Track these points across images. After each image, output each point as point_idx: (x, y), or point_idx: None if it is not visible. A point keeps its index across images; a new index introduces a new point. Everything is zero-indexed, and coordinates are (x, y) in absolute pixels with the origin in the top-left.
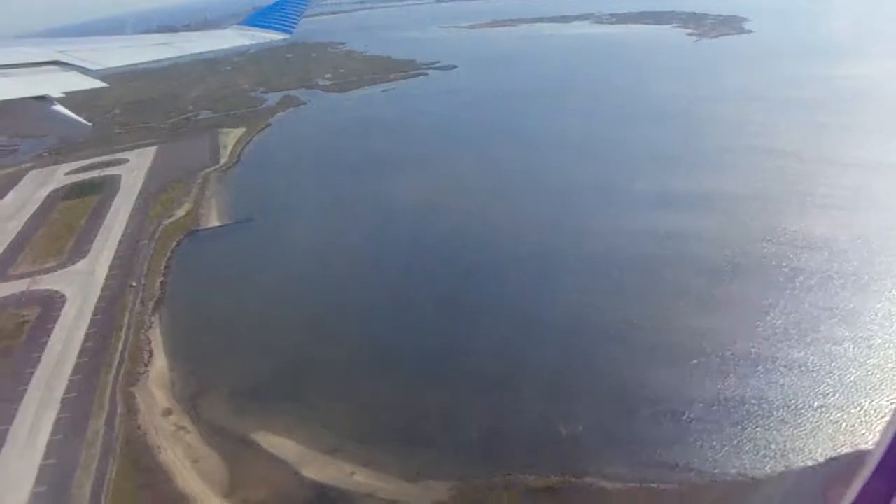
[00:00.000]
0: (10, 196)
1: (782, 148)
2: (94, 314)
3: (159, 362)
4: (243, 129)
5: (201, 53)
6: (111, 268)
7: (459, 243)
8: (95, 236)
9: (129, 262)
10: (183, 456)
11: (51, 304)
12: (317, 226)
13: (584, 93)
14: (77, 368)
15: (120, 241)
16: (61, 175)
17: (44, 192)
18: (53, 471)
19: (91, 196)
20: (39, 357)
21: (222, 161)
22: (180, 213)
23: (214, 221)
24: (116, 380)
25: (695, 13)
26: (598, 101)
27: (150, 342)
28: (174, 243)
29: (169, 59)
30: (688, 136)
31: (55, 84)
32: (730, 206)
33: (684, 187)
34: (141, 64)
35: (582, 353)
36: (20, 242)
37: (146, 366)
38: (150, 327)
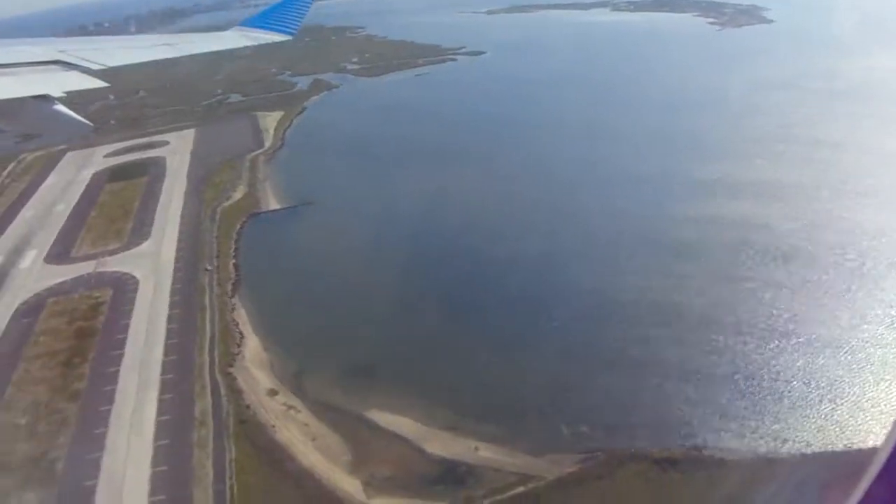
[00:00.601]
0: (52, 178)
1: (824, 138)
2: (172, 296)
3: (252, 343)
4: (281, 113)
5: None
6: (178, 250)
7: (512, 224)
8: (153, 219)
9: (195, 245)
10: (300, 434)
11: (123, 286)
12: (375, 207)
13: (619, 81)
14: (168, 350)
15: (181, 224)
16: (100, 157)
17: (86, 175)
18: (169, 451)
19: (138, 179)
20: (124, 338)
21: (267, 144)
22: (237, 195)
23: (273, 204)
24: (213, 361)
25: (714, 2)
26: (633, 90)
27: (237, 323)
28: (238, 226)
29: (171, 59)
30: (729, 126)
31: (56, 83)
32: (788, 194)
33: (740, 176)
34: (143, 63)
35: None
36: (75, 225)
37: (239, 346)
38: (234, 309)
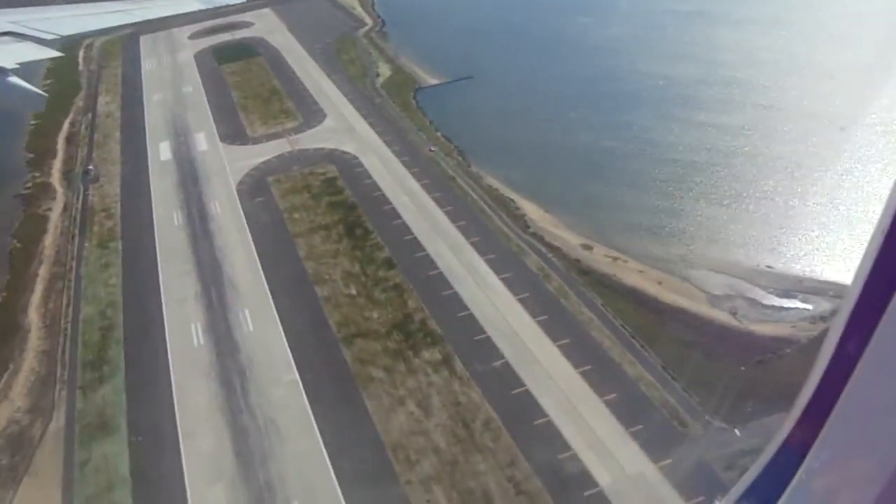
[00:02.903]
0: (148, 62)
1: None
2: (408, 167)
3: (529, 206)
4: None
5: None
6: (371, 126)
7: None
8: (313, 97)
9: (386, 120)
10: (643, 280)
11: (344, 162)
12: (530, 78)
13: None
14: (451, 216)
15: (350, 101)
16: (185, 39)
17: (186, 56)
18: (536, 303)
19: (252, 58)
20: (392, 208)
21: (368, 21)
22: (384, 72)
23: (431, 80)
24: (506, 223)
25: None
26: None
27: (497, 189)
28: (412, 100)
29: (125, 24)
30: None
31: (10, 55)
32: None
33: None
34: (97, 30)
35: None
36: (224, 105)
37: (519, 209)
38: (483, 177)
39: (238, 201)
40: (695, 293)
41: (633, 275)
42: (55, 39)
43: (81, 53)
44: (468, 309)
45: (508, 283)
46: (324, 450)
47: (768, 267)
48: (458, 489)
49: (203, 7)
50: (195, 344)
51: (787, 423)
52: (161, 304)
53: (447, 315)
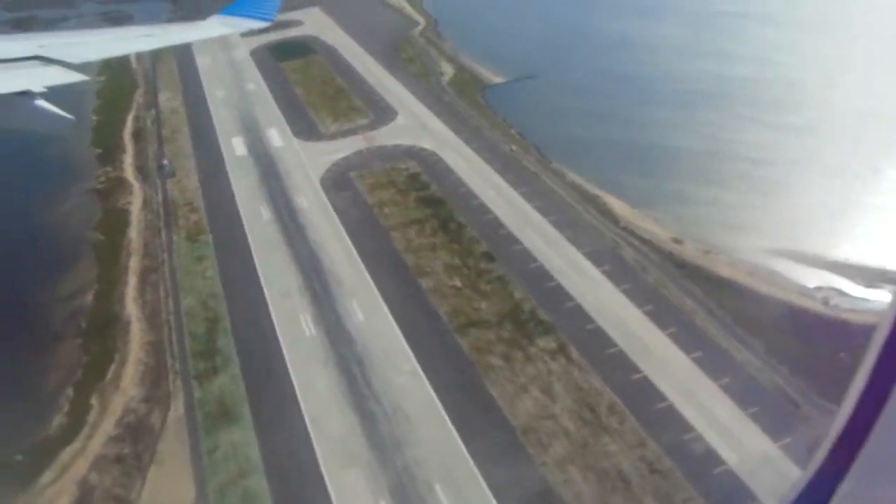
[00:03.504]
0: (204, 59)
1: None
2: (490, 164)
3: (613, 202)
4: None
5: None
6: (446, 123)
7: None
8: (380, 95)
9: (458, 118)
10: (735, 271)
11: (425, 158)
12: (590, 78)
13: None
14: (542, 210)
15: (419, 99)
16: (237, 38)
17: (241, 54)
18: (637, 293)
19: (310, 56)
20: (480, 203)
21: (420, 20)
22: (448, 70)
23: (495, 79)
24: (602, 219)
25: None
26: None
27: (581, 185)
28: (479, 99)
29: (151, 50)
30: None
31: (37, 79)
32: None
33: None
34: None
35: None
36: (291, 103)
37: (604, 203)
38: (565, 174)
39: (324, 196)
40: (785, 283)
41: (724, 267)
42: (81, 64)
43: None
44: (574, 300)
45: (609, 275)
46: (455, 434)
47: (850, 259)
48: (592, 469)
49: (229, 32)
50: (307, 334)
51: (822, 448)
52: (264, 295)
53: (555, 306)
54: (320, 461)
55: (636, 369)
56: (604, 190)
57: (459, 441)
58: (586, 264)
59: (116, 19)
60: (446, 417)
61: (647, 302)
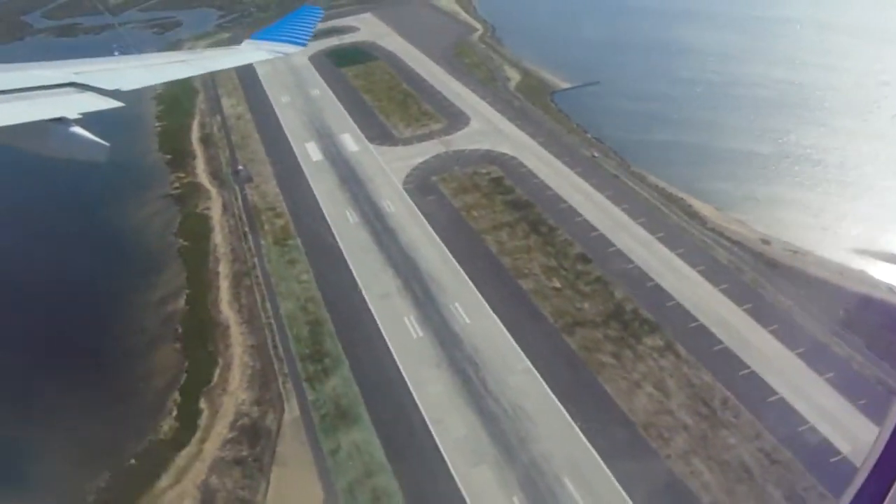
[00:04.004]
0: (262, 67)
1: None
2: (572, 168)
3: (698, 204)
4: None
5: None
6: (521, 128)
7: None
8: (449, 100)
9: (528, 121)
10: (825, 271)
11: (505, 163)
12: (655, 83)
13: None
14: (631, 213)
15: (490, 104)
16: None
17: (301, 60)
18: (735, 292)
19: (371, 62)
20: (567, 207)
21: (476, 26)
22: (514, 76)
23: (562, 84)
24: (690, 221)
25: None
26: None
27: (664, 188)
28: (550, 104)
29: (187, 77)
30: None
31: (72, 105)
32: None
33: None
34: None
35: None
36: (359, 108)
37: (689, 205)
38: (645, 177)
39: (410, 200)
40: (875, 282)
41: (814, 266)
42: (117, 91)
43: None
44: (674, 299)
45: (705, 275)
46: (577, 430)
47: None
48: (715, 461)
49: (264, 58)
50: (414, 336)
51: (876, 446)
52: (364, 298)
53: (656, 305)
54: (447, 460)
55: (744, 365)
56: (686, 192)
57: (582, 437)
58: (681, 264)
59: (164, 25)
60: (566, 414)
61: (746, 300)
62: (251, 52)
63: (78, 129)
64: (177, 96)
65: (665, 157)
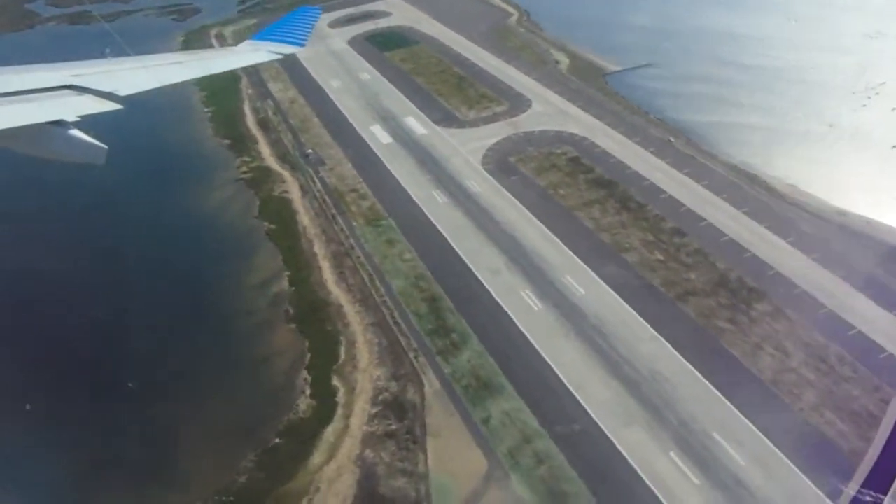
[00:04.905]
0: (302, 52)
1: None
2: (644, 147)
3: (773, 180)
4: None
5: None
6: (584, 110)
7: None
8: (502, 82)
9: (590, 103)
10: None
11: (577, 143)
12: (707, 66)
13: None
14: (713, 189)
15: (548, 86)
16: (326, 28)
17: (340, 45)
18: (829, 261)
19: (413, 46)
20: (653, 184)
21: (509, 10)
22: (562, 59)
23: (612, 66)
24: (769, 195)
25: None
26: None
27: (736, 165)
28: (606, 86)
29: (185, 81)
30: None
31: (70, 108)
32: None
33: None
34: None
35: None
36: (416, 91)
37: (765, 181)
38: (716, 156)
39: (493, 180)
40: None
41: (888, 234)
42: (114, 93)
43: (214, 43)
44: (773, 268)
45: (796, 246)
46: (716, 391)
47: None
48: (844, 411)
49: (263, 59)
50: (535, 309)
51: (881, 434)
52: (474, 275)
53: (758, 274)
54: (598, 422)
55: (850, 326)
56: (758, 170)
57: (721, 396)
58: (772, 236)
59: (183, 12)
60: (700, 376)
61: (839, 268)
62: (250, 54)
63: (76, 132)
64: (218, 81)
65: (730, 138)
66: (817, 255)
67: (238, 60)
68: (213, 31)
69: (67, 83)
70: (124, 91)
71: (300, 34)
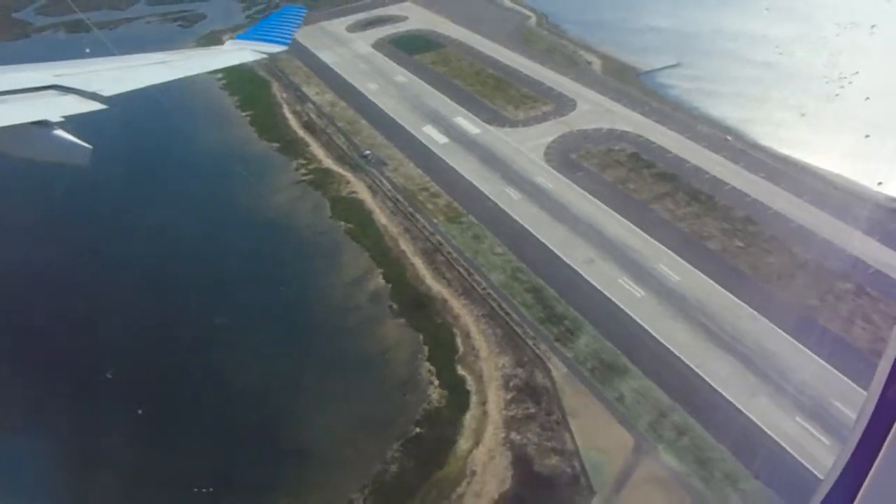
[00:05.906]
0: (327, 55)
1: None
2: (697, 142)
3: (824, 169)
4: None
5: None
6: (626, 107)
7: None
8: (542, 84)
9: (634, 101)
10: None
11: (633, 140)
12: (735, 65)
13: None
14: (772, 180)
15: (584, 86)
16: (344, 32)
17: (365, 49)
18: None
19: (440, 49)
20: (710, 177)
21: (526, 13)
22: (593, 59)
23: (642, 67)
24: (823, 184)
25: None
26: None
27: (788, 156)
28: (643, 85)
29: (170, 80)
30: None
31: (54, 108)
32: None
33: None
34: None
35: None
36: (457, 93)
37: (816, 172)
38: (767, 149)
39: (561, 176)
40: None
41: None
42: (97, 93)
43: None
44: (846, 250)
45: (865, 231)
46: (823, 362)
47: None
48: None
49: (249, 59)
50: (637, 295)
51: (846, 449)
52: (569, 265)
53: (835, 258)
54: (725, 394)
55: None
56: (812, 161)
57: (832, 368)
58: (839, 223)
59: (189, 18)
60: (805, 349)
61: (891, 242)
62: (235, 53)
63: (60, 132)
64: (246, 87)
65: (776, 130)
66: (878, 235)
67: (224, 60)
68: (226, 38)
69: (51, 83)
70: (109, 91)
71: (285, 33)
